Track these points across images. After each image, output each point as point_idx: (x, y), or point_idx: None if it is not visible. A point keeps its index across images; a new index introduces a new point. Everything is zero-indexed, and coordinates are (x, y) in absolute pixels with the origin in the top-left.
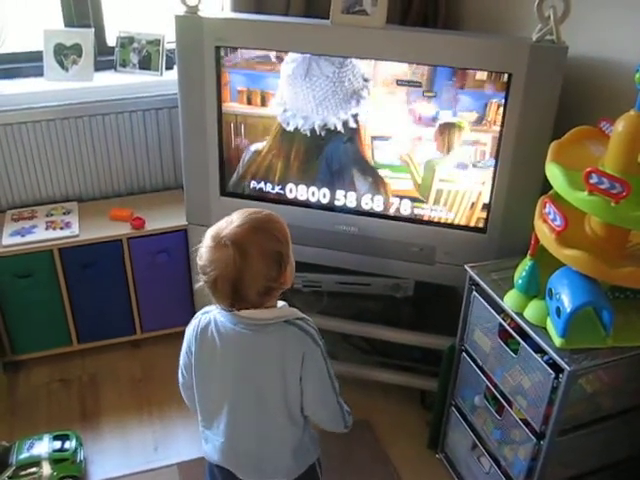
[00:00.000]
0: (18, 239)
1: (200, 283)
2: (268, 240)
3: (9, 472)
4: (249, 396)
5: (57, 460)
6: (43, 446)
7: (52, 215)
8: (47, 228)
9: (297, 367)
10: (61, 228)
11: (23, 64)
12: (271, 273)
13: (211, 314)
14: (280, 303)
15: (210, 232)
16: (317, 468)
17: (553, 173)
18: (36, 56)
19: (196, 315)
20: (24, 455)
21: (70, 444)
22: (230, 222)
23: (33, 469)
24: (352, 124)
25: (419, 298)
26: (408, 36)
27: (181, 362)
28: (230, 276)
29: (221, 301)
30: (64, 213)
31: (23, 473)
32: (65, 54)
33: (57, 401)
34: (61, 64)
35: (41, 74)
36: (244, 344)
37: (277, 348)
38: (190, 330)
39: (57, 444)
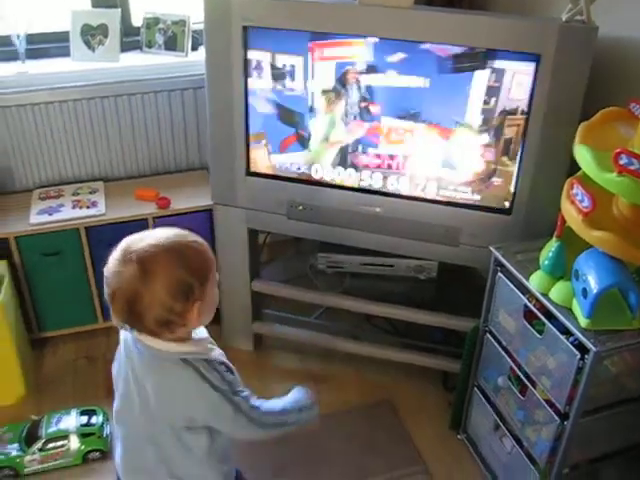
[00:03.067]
0: (45, 217)
1: None
2: (178, 267)
3: (39, 444)
4: (139, 417)
5: (84, 434)
6: (71, 420)
7: (78, 194)
8: (74, 207)
9: (187, 408)
10: (87, 207)
11: (50, 44)
12: (174, 305)
13: None
14: (199, 334)
15: (123, 243)
16: None
17: (581, 154)
18: (63, 36)
19: None
20: (53, 429)
21: (97, 419)
22: (147, 236)
23: (62, 442)
24: None
25: (442, 280)
26: (435, 16)
27: None
28: (127, 294)
29: (116, 317)
30: (90, 192)
31: (52, 446)
32: (92, 34)
33: (83, 377)
34: (88, 44)
35: (68, 54)
36: (142, 369)
37: (169, 384)
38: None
39: (84, 419)
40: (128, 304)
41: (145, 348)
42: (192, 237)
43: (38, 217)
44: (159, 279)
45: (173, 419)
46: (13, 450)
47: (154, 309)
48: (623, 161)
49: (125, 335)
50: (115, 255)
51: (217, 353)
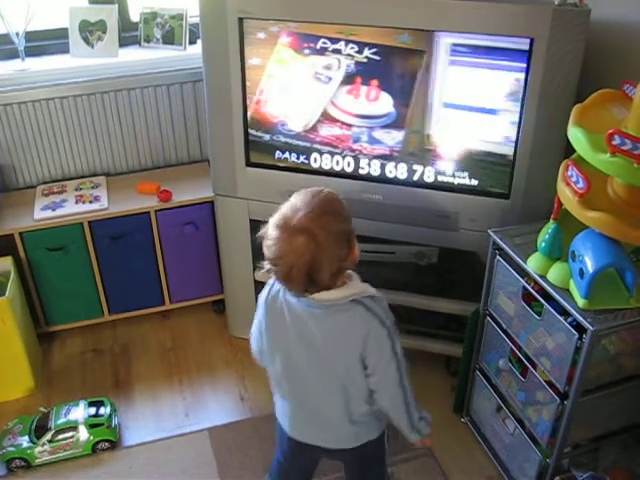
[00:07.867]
0: (49, 213)
1: (264, 269)
2: (336, 221)
3: (48, 436)
4: (315, 369)
5: (93, 425)
6: (79, 412)
7: (81, 189)
8: (77, 202)
9: (359, 346)
10: (90, 202)
11: (49, 41)
12: (342, 253)
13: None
14: (353, 277)
15: (275, 222)
16: (383, 440)
17: (575, 136)
18: (62, 33)
19: (268, 282)
20: (62, 420)
21: (105, 410)
22: (295, 210)
23: (71, 433)
24: None
25: (443, 265)
26: (427, 2)
27: (254, 328)
28: (305, 264)
29: (295, 289)
30: (93, 187)
31: (61, 437)
32: (90, 31)
33: (91, 370)
34: (86, 41)
35: (67, 51)
36: (311, 321)
37: (342, 327)
38: (262, 297)
39: (92, 410)
40: (307, 272)
41: (313, 303)
42: (325, 190)
43: (42, 213)
44: (328, 239)
45: (346, 361)
46: (24, 442)
47: (330, 265)
48: (616, 142)
49: (279, 304)
50: (275, 235)
51: (375, 291)
